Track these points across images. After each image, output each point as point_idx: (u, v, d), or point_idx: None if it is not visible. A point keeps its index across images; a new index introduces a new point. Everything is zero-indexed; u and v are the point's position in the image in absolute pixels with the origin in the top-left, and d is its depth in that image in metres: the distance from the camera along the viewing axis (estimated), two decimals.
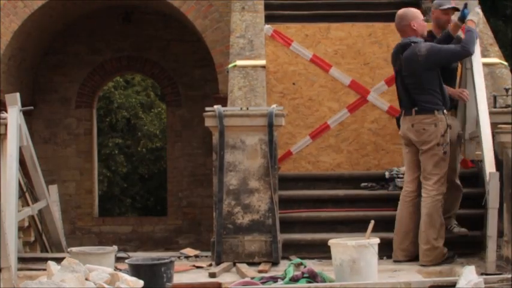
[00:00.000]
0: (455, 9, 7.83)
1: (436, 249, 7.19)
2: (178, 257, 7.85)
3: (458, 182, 7.73)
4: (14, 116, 7.40)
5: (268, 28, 9.42)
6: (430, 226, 7.21)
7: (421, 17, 7.52)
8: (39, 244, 8.69)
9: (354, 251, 6.16)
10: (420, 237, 7.27)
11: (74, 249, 6.90)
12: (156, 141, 21.51)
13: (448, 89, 7.60)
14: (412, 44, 7.32)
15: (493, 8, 15.39)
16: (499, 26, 15.73)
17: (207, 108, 7.75)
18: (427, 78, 7.26)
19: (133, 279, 5.75)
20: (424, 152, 7.28)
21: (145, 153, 21.79)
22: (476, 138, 7.53)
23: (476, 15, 7.54)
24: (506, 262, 6.98)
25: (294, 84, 9.30)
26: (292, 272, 6.31)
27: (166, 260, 6.22)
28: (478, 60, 7.57)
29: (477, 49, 7.60)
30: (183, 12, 12.79)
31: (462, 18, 7.56)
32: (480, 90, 7.45)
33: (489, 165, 7.04)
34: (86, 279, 5.62)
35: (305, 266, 6.61)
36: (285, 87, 9.29)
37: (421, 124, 7.25)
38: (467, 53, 7.37)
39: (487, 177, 6.94)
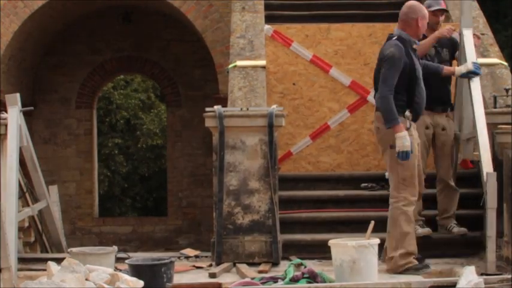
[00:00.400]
0: (444, 10, 7.81)
1: (390, 259, 6.81)
2: (179, 257, 7.85)
3: (452, 183, 7.71)
4: (14, 116, 7.40)
5: (269, 28, 9.42)
6: (388, 236, 6.86)
7: (427, 19, 7.29)
8: (39, 244, 8.69)
9: (354, 251, 6.16)
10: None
11: (74, 249, 6.90)
12: (156, 139, 21.52)
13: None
14: (390, 40, 6.92)
15: (495, 12, 15.40)
16: (500, 30, 15.74)
17: (207, 109, 7.75)
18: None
19: (134, 279, 5.75)
20: (382, 154, 6.97)
21: (145, 152, 21.79)
22: (473, 138, 7.52)
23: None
24: (506, 262, 6.98)
25: (294, 84, 9.30)
26: (292, 272, 6.31)
27: (166, 261, 6.22)
28: (472, 60, 7.56)
29: (471, 49, 7.59)
30: (183, 12, 12.79)
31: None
32: (475, 90, 7.45)
33: (486, 166, 7.04)
34: (86, 279, 5.62)
35: (305, 267, 6.61)
36: (285, 87, 9.29)
37: (376, 122, 6.88)
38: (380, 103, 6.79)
39: (484, 178, 6.94)
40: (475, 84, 7.48)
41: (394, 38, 6.90)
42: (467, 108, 7.58)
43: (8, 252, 6.18)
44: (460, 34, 7.71)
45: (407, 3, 7.09)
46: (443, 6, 7.86)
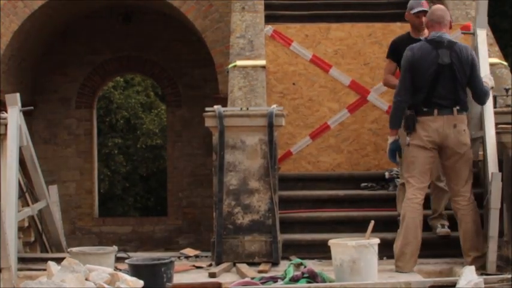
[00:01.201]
0: (426, 12, 7.55)
1: (479, 257, 6.92)
2: (179, 257, 7.85)
3: (440, 183, 7.62)
4: (14, 116, 7.40)
5: (268, 28, 9.42)
6: (478, 234, 7.01)
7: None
8: (39, 244, 8.68)
9: (354, 251, 6.15)
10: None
11: (74, 249, 6.89)
12: (156, 139, 21.52)
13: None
14: (458, 43, 7.05)
15: (496, 7, 15.39)
16: (503, 25, 15.74)
17: (207, 109, 7.75)
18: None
19: (133, 279, 5.75)
20: (462, 156, 6.97)
21: (144, 152, 21.80)
22: (479, 138, 7.51)
23: (490, 81, 7.32)
24: (506, 262, 6.98)
25: (294, 84, 9.30)
26: (292, 272, 6.31)
27: (166, 260, 6.21)
28: (485, 61, 7.56)
29: (485, 49, 7.59)
30: (183, 12, 12.80)
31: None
32: None
33: (492, 166, 7.04)
34: (86, 279, 5.62)
35: (305, 266, 6.61)
36: (285, 87, 9.29)
37: (462, 124, 6.92)
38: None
39: (490, 178, 6.95)
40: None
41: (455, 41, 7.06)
42: (475, 108, 7.57)
43: (8, 252, 6.19)
44: (474, 34, 7.70)
45: (436, 10, 7.11)
46: (424, 7, 7.77)
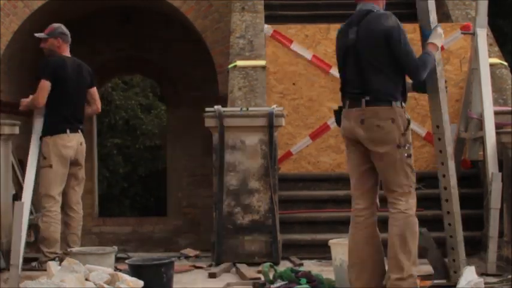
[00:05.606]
0: None
1: (410, 277, 5.34)
2: (179, 257, 7.85)
3: None
4: None
5: (268, 28, 9.42)
6: (400, 251, 5.38)
7: None
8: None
9: None
10: (389, 264, 5.43)
11: (73, 249, 6.90)
12: (155, 139, 21.51)
13: None
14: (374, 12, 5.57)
15: (495, 7, 15.38)
16: (502, 25, 15.74)
17: (207, 109, 7.75)
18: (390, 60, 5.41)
19: (133, 279, 5.75)
20: (379, 154, 5.51)
21: (143, 152, 21.80)
22: (479, 138, 7.52)
23: (439, 37, 5.63)
24: (506, 262, 6.98)
25: (294, 84, 9.30)
26: (268, 274, 6.25)
27: (166, 261, 6.21)
28: (485, 61, 7.56)
29: (485, 49, 7.59)
30: (183, 12, 12.79)
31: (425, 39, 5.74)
32: (486, 89, 7.44)
33: (492, 166, 7.05)
34: (86, 279, 5.63)
35: (297, 272, 6.47)
36: (285, 87, 9.29)
37: (376, 120, 5.37)
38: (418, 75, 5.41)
39: (490, 178, 6.95)
40: (486, 83, 7.47)
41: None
42: (476, 108, 7.56)
43: (18, 248, 6.21)
44: (474, 34, 7.71)
45: None
46: None
